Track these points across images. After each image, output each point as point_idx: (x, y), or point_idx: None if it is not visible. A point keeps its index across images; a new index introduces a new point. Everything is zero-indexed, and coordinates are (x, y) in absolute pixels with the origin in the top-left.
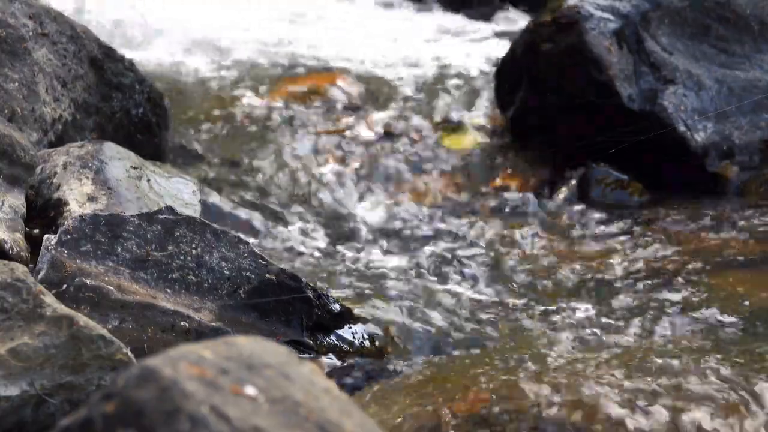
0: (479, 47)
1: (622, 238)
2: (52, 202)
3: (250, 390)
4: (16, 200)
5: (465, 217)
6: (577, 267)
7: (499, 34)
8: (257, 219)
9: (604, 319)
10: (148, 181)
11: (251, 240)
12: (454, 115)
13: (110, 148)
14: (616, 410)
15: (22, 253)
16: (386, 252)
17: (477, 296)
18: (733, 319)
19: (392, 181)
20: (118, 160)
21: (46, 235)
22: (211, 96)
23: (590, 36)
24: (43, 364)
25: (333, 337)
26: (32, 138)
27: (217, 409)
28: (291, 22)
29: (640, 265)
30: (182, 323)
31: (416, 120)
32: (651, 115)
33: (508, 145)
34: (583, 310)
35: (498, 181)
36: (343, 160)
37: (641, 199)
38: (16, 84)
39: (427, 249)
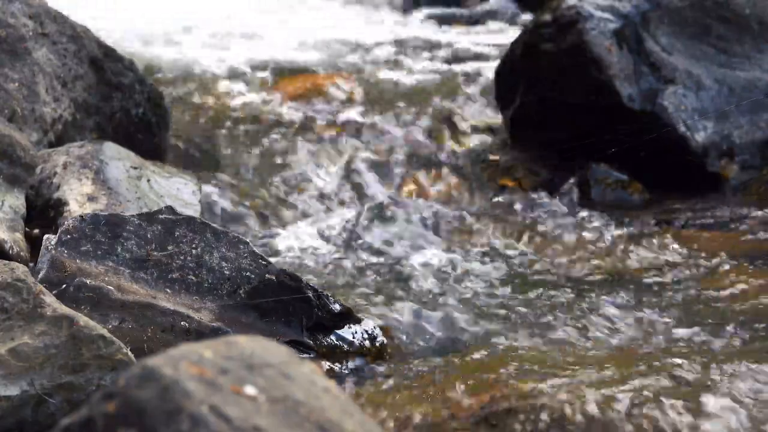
0: (479, 46)
1: (622, 237)
2: (52, 202)
3: (250, 389)
4: (16, 200)
5: (464, 217)
6: (577, 267)
7: (499, 33)
8: (257, 219)
9: (604, 319)
10: (148, 181)
11: (251, 240)
12: (453, 115)
13: (110, 148)
14: (617, 410)
15: (22, 253)
16: (386, 251)
17: (477, 296)
18: (733, 318)
19: (392, 180)
20: (118, 160)
21: (46, 235)
22: (211, 96)
23: (590, 36)
24: (43, 364)
25: (333, 337)
26: (32, 138)
27: (218, 408)
28: (290, 23)
29: (640, 264)
30: (182, 323)
31: (415, 119)
32: (651, 115)
33: (507, 145)
34: (584, 309)
35: (497, 181)
36: (341, 160)
37: (641, 199)
38: (16, 84)
39: (427, 248)
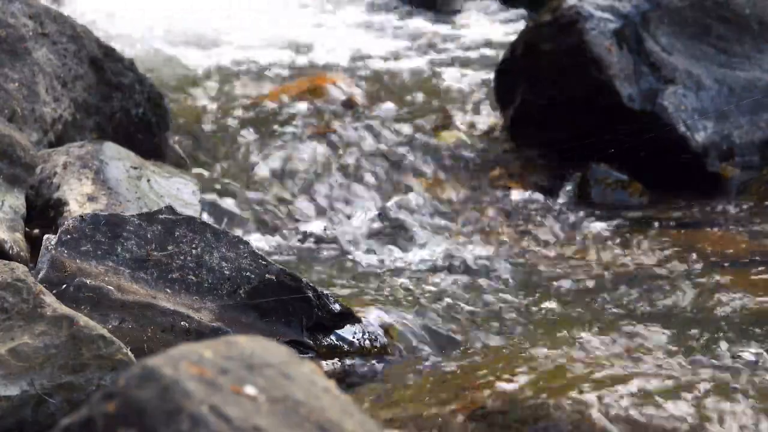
0: (478, 47)
1: (622, 238)
2: (52, 202)
3: (250, 389)
4: (16, 200)
5: (464, 217)
6: (577, 267)
7: (498, 33)
8: (257, 219)
9: (603, 320)
10: (148, 181)
11: (251, 240)
12: (454, 115)
13: (110, 148)
14: (615, 410)
15: (22, 253)
16: (386, 251)
17: (477, 296)
18: (733, 319)
19: (392, 180)
20: (118, 160)
21: (46, 235)
22: (211, 96)
23: (590, 36)
24: (43, 364)
25: (333, 337)
26: (32, 138)
27: (218, 408)
28: (290, 22)
29: (639, 265)
30: (182, 323)
31: (415, 120)
32: (651, 115)
33: (507, 145)
34: (583, 310)
35: (498, 181)
36: (342, 160)
37: (641, 199)
38: (16, 84)
39: (427, 249)
